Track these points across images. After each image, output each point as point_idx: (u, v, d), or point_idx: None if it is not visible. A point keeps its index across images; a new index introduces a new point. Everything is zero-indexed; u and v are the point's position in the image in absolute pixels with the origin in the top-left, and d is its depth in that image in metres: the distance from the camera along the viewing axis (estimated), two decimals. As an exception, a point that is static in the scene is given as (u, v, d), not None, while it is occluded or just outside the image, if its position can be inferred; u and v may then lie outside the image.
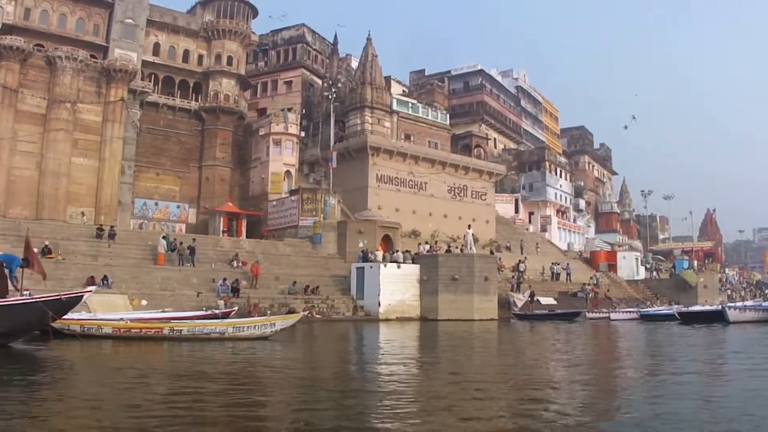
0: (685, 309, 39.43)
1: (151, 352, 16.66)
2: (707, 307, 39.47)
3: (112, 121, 47.43)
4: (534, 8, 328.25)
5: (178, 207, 54.38)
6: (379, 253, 38.66)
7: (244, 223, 50.58)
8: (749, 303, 43.26)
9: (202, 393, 10.21)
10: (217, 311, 23.69)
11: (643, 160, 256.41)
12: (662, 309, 42.33)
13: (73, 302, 15.68)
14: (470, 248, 40.87)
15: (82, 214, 44.37)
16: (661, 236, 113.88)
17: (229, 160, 55.95)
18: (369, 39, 59.36)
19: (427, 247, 44.35)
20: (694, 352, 19.16)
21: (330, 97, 50.45)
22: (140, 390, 10.51)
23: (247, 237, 48.12)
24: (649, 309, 43.26)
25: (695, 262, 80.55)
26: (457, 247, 45.18)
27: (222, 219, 49.99)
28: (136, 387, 10.88)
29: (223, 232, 49.00)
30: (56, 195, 44.91)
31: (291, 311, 31.94)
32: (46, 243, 33.58)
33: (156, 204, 53.28)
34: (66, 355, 15.41)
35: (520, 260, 51.36)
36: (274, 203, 51.02)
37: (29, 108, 45.45)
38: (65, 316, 17.12)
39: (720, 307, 36.34)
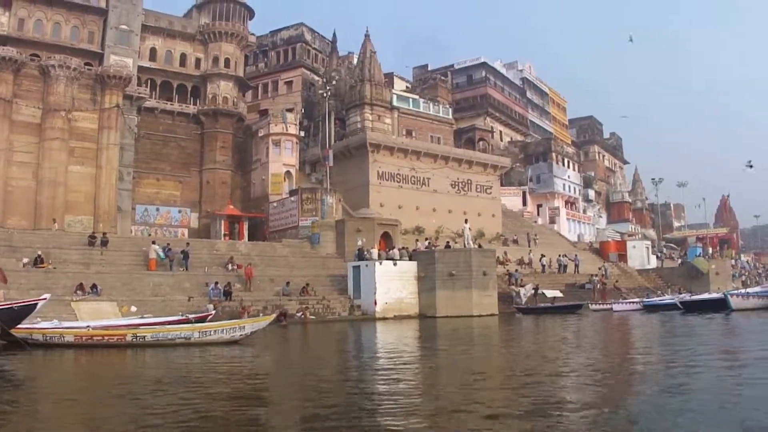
0: (687, 298, 38.73)
1: (109, 360, 16.34)
2: (709, 296, 38.72)
3: (108, 128, 47.24)
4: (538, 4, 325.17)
5: (180, 212, 54.15)
6: (375, 251, 38.14)
7: (245, 226, 50.30)
8: (754, 289, 42.37)
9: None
10: (191, 316, 23.23)
11: (656, 148, 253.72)
12: (665, 299, 41.53)
13: (25, 311, 15.46)
14: (468, 243, 40.25)
15: (54, 220, 43.84)
16: (676, 224, 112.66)
17: (229, 162, 55.70)
18: (367, 35, 58.88)
19: (426, 243, 43.88)
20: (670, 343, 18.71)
21: (325, 94, 50.00)
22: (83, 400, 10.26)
23: (249, 239, 47.91)
24: (652, 299, 42.46)
25: (710, 249, 79.58)
26: (457, 243, 44.63)
27: (223, 222, 49.73)
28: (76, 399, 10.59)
29: (225, 235, 48.71)
30: (53, 204, 44.77)
31: (282, 313, 31.68)
32: (39, 253, 33.33)
33: (157, 210, 53.08)
34: (23, 367, 15.21)
35: (542, 254, 52.23)
36: (275, 204, 50.75)
37: (24, 118, 45.40)
38: (27, 325, 16.93)
39: (722, 294, 35.67)
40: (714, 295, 37.94)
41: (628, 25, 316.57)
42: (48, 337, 18.06)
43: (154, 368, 14.86)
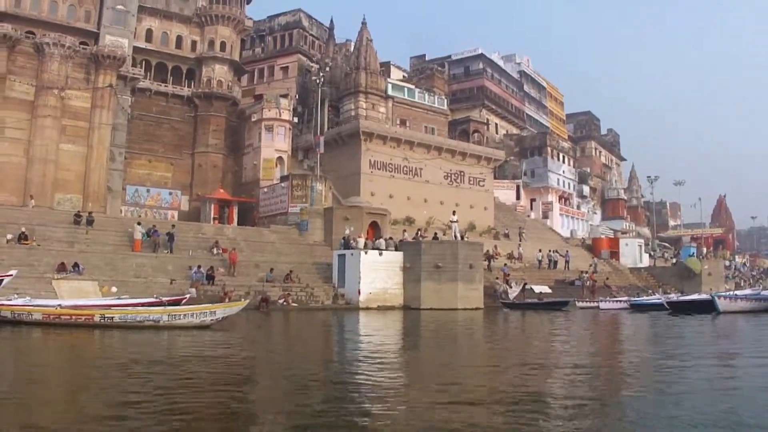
0: (674, 298, 38.57)
1: (69, 340, 16.24)
2: (697, 297, 38.50)
3: (100, 108, 47.06)
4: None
5: (171, 194, 54.08)
6: (361, 240, 37.91)
7: (235, 210, 50.23)
8: (745, 292, 42.16)
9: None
10: (164, 298, 23.02)
11: (653, 146, 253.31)
12: (652, 298, 41.31)
13: None
14: (455, 235, 40.12)
15: (31, 197, 43.38)
16: (672, 223, 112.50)
17: (222, 146, 55.62)
18: (364, 23, 58.73)
19: (417, 233, 43.74)
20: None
21: (318, 81, 49.73)
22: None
23: (239, 224, 47.82)
24: (639, 298, 42.27)
25: (704, 250, 79.48)
26: (446, 235, 44.53)
27: (213, 206, 49.65)
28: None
29: (215, 219, 48.67)
30: (43, 182, 44.69)
31: (263, 299, 31.67)
32: (23, 230, 33.23)
33: (148, 191, 53.03)
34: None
35: (540, 249, 52.95)
36: (266, 190, 50.63)
37: (17, 95, 45.22)
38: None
39: (710, 296, 35.49)
40: (701, 297, 37.71)
41: (629, 21, 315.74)
42: (16, 314, 18.05)
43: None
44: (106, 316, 18.17)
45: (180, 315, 18.93)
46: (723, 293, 38.88)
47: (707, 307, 33.13)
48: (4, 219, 35.27)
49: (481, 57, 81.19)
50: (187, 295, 25.64)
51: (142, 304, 20.93)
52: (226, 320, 20.00)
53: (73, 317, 18.08)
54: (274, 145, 53.24)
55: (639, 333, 23.67)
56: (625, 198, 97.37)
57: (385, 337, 21.24)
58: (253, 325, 23.28)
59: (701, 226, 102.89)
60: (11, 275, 16.39)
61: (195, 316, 18.98)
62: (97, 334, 17.16)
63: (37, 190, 44.24)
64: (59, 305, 19.11)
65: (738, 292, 40.23)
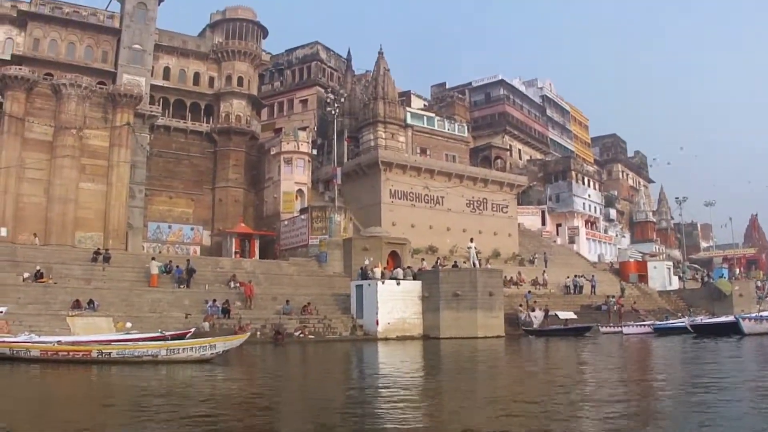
0: (698, 321, 37.77)
1: (61, 376, 15.99)
2: (721, 319, 37.70)
3: (118, 146, 47.49)
4: (557, 19, 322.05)
5: (192, 229, 54.26)
6: (378, 270, 37.50)
7: (256, 244, 50.24)
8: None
9: None
10: (168, 333, 22.75)
11: (683, 166, 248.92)
12: (676, 322, 40.44)
13: None
14: (473, 263, 39.57)
15: (35, 235, 43.69)
16: (704, 244, 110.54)
17: (242, 181, 55.81)
18: (381, 53, 58.86)
19: (436, 261, 43.32)
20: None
21: (334, 112, 49.60)
22: None
23: (260, 257, 47.79)
24: (664, 322, 41.42)
25: (737, 270, 77.95)
26: (466, 264, 43.94)
27: (234, 240, 49.74)
28: None
29: (236, 253, 48.66)
30: (63, 220, 45.06)
31: (278, 332, 31.34)
32: (38, 267, 33.33)
33: (169, 227, 53.25)
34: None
35: (575, 275, 52.33)
36: (286, 223, 50.59)
37: (36, 136, 45.81)
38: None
39: (734, 318, 34.74)
40: (725, 319, 36.95)
41: (655, 41, 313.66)
42: (15, 351, 17.92)
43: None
44: (103, 351, 17.95)
45: (179, 349, 18.60)
46: (747, 315, 38.08)
47: (732, 329, 32.49)
48: (22, 258, 35.55)
49: (501, 83, 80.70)
50: (192, 329, 25.40)
51: (142, 339, 20.74)
52: (228, 353, 19.64)
53: (71, 353, 17.91)
54: (293, 177, 53.29)
55: (664, 363, 22.43)
56: (654, 220, 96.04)
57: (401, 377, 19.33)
58: (260, 358, 22.87)
59: (733, 246, 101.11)
60: (1, 312, 16.35)
61: (194, 350, 18.64)
62: (93, 370, 16.91)
63: (57, 229, 44.68)
64: (58, 341, 18.99)
65: (763, 314, 39.31)
